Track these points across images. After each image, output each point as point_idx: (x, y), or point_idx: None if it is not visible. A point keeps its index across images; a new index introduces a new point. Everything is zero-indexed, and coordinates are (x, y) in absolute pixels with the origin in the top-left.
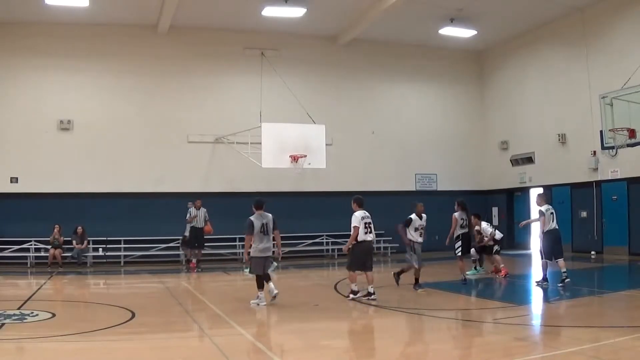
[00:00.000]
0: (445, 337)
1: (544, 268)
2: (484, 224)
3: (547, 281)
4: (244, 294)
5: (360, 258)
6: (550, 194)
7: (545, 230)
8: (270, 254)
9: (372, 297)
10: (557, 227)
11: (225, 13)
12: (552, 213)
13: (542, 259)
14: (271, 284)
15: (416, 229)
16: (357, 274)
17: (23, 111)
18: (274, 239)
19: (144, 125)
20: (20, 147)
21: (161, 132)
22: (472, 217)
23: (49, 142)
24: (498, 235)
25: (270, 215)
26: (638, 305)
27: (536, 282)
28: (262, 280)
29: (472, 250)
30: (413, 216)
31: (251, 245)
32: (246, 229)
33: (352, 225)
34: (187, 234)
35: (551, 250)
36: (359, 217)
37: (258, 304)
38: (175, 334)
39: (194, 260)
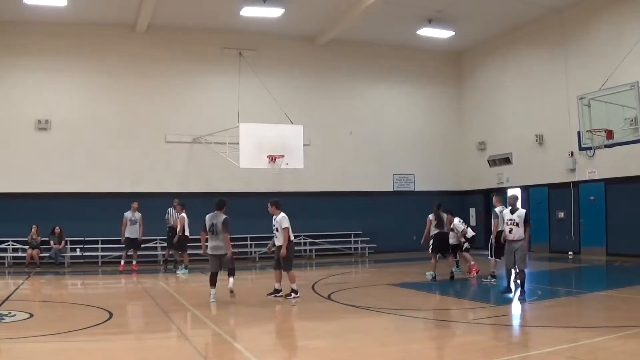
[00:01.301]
0: (422, 338)
1: (494, 267)
2: (456, 220)
3: (496, 278)
4: (220, 295)
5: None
6: (528, 194)
7: (498, 230)
8: (216, 252)
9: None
10: None
11: (203, 13)
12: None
13: (490, 256)
14: (231, 279)
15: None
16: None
17: (0, 110)
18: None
19: (121, 125)
20: None
21: (139, 131)
22: (446, 214)
23: (26, 141)
24: (470, 233)
25: (223, 216)
26: (615, 306)
27: (483, 279)
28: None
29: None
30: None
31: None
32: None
33: (285, 226)
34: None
35: (502, 249)
36: (287, 218)
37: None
38: (153, 335)
39: (133, 262)
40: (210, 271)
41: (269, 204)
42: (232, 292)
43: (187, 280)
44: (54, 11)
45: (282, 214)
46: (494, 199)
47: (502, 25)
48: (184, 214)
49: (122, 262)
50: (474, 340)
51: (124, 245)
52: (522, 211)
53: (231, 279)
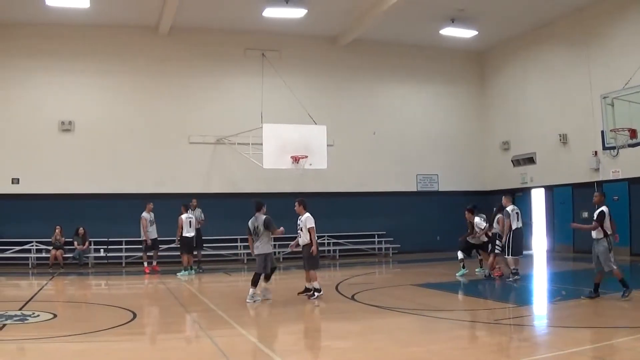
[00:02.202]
0: (446, 338)
1: (513, 264)
2: (477, 219)
3: (518, 275)
4: (245, 295)
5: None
6: (552, 194)
7: (514, 229)
8: (258, 252)
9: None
10: (521, 226)
11: (226, 14)
12: (517, 213)
13: (507, 255)
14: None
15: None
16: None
17: (24, 112)
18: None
19: (145, 126)
20: (21, 148)
21: (162, 133)
22: (466, 211)
23: (50, 143)
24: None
25: (263, 217)
26: (639, 306)
27: (508, 279)
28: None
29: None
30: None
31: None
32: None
33: (310, 226)
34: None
35: (518, 247)
36: (312, 218)
37: (254, 301)
38: (176, 335)
39: (154, 263)
40: (255, 271)
41: (296, 203)
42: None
43: (211, 281)
44: (77, 13)
45: (308, 214)
46: (504, 200)
47: (524, 24)
48: (182, 215)
49: (146, 263)
50: (497, 340)
51: (146, 247)
52: (599, 210)
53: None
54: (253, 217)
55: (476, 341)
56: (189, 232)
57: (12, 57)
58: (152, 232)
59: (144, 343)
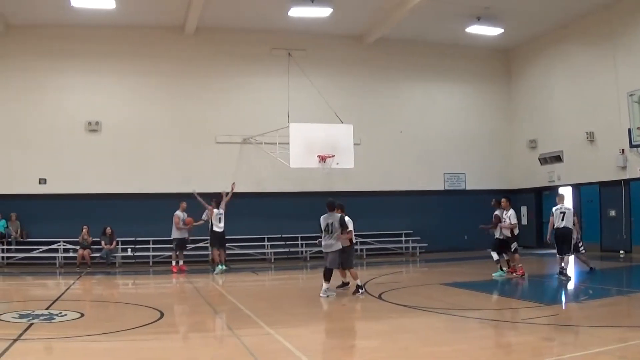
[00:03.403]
0: (473, 337)
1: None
2: (512, 212)
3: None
4: (272, 294)
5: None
6: (579, 192)
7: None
8: (330, 250)
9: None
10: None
11: (251, 14)
12: (562, 212)
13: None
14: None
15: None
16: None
17: (51, 113)
18: None
19: (172, 126)
20: (48, 148)
21: (189, 132)
22: (503, 199)
23: (77, 143)
24: (516, 230)
25: (338, 215)
26: None
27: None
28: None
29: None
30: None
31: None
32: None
33: (350, 229)
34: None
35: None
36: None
37: (327, 296)
38: (203, 334)
39: (181, 263)
40: (327, 267)
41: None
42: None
43: (238, 280)
44: (103, 14)
45: (344, 216)
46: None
47: (550, 21)
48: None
49: (174, 262)
50: (524, 340)
51: (176, 246)
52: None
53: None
54: (326, 214)
55: (503, 341)
56: (218, 227)
57: (39, 59)
58: (182, 232)
59: (171, 342)
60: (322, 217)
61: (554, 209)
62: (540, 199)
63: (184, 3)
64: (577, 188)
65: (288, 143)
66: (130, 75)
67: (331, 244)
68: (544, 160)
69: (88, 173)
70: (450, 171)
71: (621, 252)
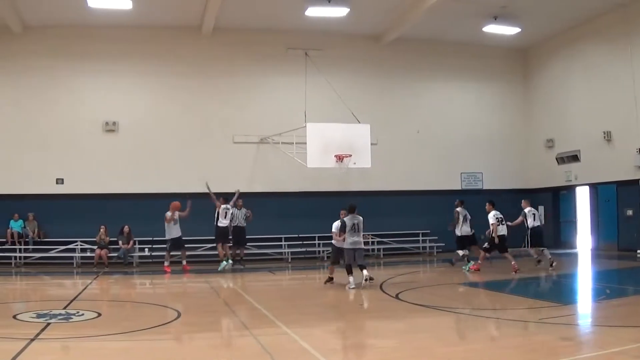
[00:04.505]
0: (489, 337)
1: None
2: (491, 214)
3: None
4: (289, 293)
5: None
6: (596, 192)
7: (498, 234)
8: (359, 246)
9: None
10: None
11: (268, 14)
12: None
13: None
14: (364, 271)
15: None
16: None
17: (69, 113)
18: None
19: (188, 126)
20: (65, 148)
21: (206, 132)
22: (487, 204)
23: (94, 143)
24: (500, 231)
25: (360, 217)
26: None
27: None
28: (351, 267)
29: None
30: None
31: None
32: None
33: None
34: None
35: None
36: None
37: (351, 287)
38: (220, 334)
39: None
40: (347, 263)
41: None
42: (371, 278)
43: (255, 280)
44: (119, 15)
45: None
46: (487, 206)
47: (567, 20)
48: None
49: (167, 263)
50: (541, 339)
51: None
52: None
53: (365, 271)
54: (351, 216)
55: (519, 340)
56: (222, 222)
57: (56, 59)
58: (176, 230)
59: (188, 342)
60: (346, 218)
61: (525, 210)
62: (557, 199)
63: (200, 3)
64: (594, 187)
65: (305, 143)
66: (147, 76)
67: (360, 241)
68: (561, 159)
69: (105, 173)
70: (468, 171)
71: (638, 251)
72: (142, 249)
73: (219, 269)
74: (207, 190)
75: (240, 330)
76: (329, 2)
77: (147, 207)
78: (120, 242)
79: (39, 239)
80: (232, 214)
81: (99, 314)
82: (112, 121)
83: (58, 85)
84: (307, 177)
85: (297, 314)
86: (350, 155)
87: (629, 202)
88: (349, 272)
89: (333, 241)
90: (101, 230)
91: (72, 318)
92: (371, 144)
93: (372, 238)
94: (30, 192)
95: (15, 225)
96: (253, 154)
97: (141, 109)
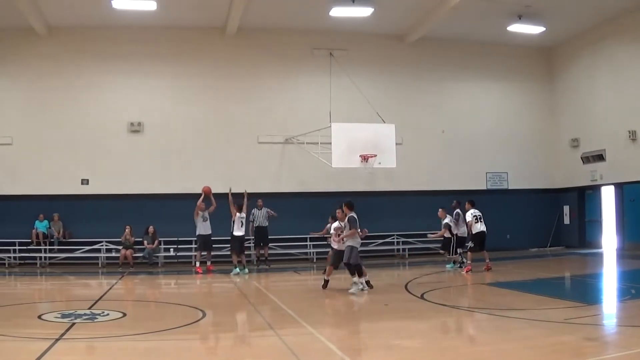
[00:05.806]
0: (514, 337)
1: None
2: (469, 212)
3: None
4: (314, 294)
5: None
6: (622, 191)
7: (474, 232)
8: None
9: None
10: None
11: (293, 14)
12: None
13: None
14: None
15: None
16: None
17: (94, 114)
18: None
19: (213, 126)
20: (91, 149)
21: (231, 133)
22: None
23: (119, 144)
24: (477, 228)
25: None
26: None
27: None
28: (361, 268)
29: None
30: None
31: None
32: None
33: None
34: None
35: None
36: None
37: (362, 289)
38: (245, 333)
39: (209, 263)
40: (357, 263)
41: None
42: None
43: (280, 280)
44: (144, 15)
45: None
46: (467, 205)
47: (591, 19)
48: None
49: (198, 263)
50: (566, 339)
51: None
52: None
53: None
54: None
55: (545, 340)
56: (238, 232)
57: (80, 60)
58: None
59: (213, 341)
60: (353, 213)
61: (468, 213)
62: (583, 198)
63: (225, 4)
64: (619, 187)
65: (330, 143)
66: (172, 76)
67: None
68: (586, 159)
69: (130, 173)
70: (493, 170)
71: None
72: (167, 249)
73: (231, 274)
74: (229, 193)
75: (265, 330)
76: (354, 2)
77: (172, 208)
78: (145, 242)
79: (64, 239)
80: (252, 214)
81: (124, 314)
82: (137, 122)
83: (83, 87)
84: (332, 177)
85: (322, 314)
86: (375, 155)
87: None
88: (361, 274)
89: (333, 244)
90: (126, 230)
91: (97, 318)
92: (396, 144)
93: (397, 238)
94: (55, 193)
95: (41, 226)
96: (278, 154)
97: (166, 110)
